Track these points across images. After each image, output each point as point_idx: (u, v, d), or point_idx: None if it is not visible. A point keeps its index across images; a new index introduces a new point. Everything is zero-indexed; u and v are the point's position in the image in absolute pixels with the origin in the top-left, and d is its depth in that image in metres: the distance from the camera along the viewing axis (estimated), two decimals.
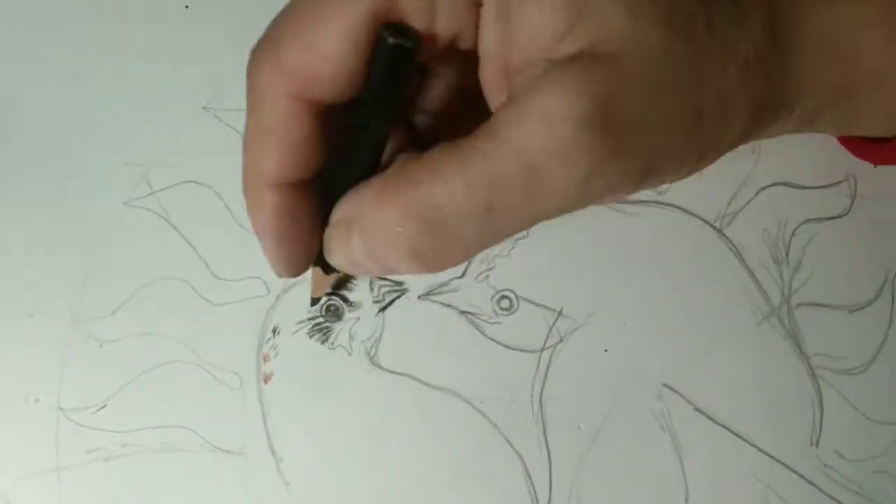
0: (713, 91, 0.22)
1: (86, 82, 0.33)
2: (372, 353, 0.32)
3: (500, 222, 0.21)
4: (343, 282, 0.31)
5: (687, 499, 0.31)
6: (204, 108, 0.33)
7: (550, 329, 0.32)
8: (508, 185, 0.20)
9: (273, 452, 0.31)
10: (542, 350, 0.32)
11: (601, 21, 0.21)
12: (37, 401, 0.31)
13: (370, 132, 0.22)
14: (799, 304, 0.33)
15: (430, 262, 0.22)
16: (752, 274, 0.33)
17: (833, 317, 0.33)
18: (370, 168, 0.23)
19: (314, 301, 0.31)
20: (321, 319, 0.32)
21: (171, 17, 0.33)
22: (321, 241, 0.24)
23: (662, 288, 0.33)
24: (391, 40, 0.20)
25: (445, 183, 0.21)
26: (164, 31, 0.33)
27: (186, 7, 0.33)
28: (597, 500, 0.31)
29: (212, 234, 0.32)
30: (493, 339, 0.32)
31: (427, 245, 0.22)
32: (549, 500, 0.31)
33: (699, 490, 0.32)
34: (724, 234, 0.33)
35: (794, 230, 0.33)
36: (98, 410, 0.31)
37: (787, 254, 0.33)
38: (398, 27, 0.21)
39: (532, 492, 0.31)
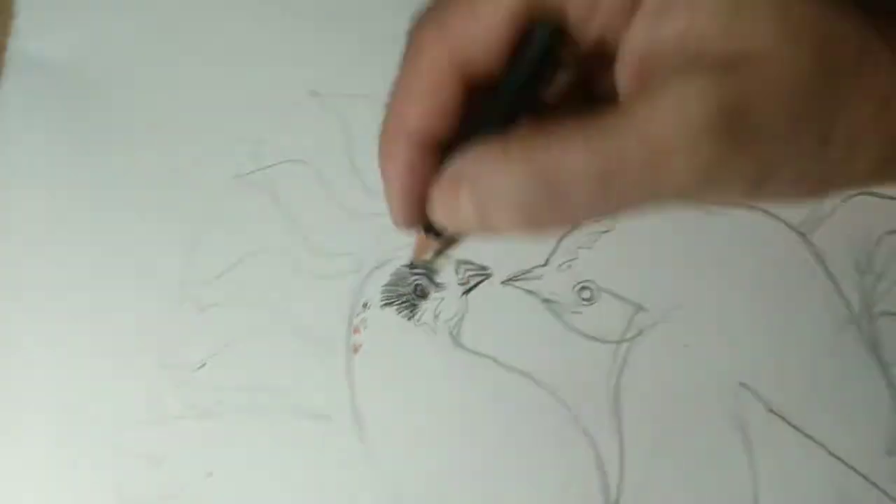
0: (843, 122, 0.23)
1: (210, 68, 0.35)
2: (455, 333, 0.33)
3: (613, 195, 0.22)
4: (442, 250, 0.33)
5: (756, 499, 0.32)
6: (311, 91, 0.35)
7: (630, 322, 0.33)
8: (629, 161, 0.21)
9: (356, 419, 0.33)
10: (619, 342, 0.33)
11: (751, 34, 0.22)
12: (140, 357, 0.33)
13: (500, 114, 0.23)
14: (881, 314, 0.33)
15: (537, 220, 0.23)
16: (834, 280, 0.33)
17: None
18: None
19: (411, 265, 0.32)
20: (410, 297, 0.34)
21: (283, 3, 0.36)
22: None
23: (744, 288, 0.33)
24: (544, 33, 0.22)
25: (568, 148, 0.22)
26: (274, 18, 0.36)
27: None
28: (667, 492, 0.32)
29: (312, 212, 0.34)
30: (572, 328, 0.33)
31: (538, 202, 0.22)
32: (619, 489, 0.32)
33: (769, 491, 0.32)
34: (808, 240, 0.33)
35: (879, 239, 0.33)
36: (198, 369, 0.33)
37: (871, 263, 0.33)
38: (551, 20, 0.22)
39: (603, 480, 0.32)
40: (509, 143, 0.23)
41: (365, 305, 0.34)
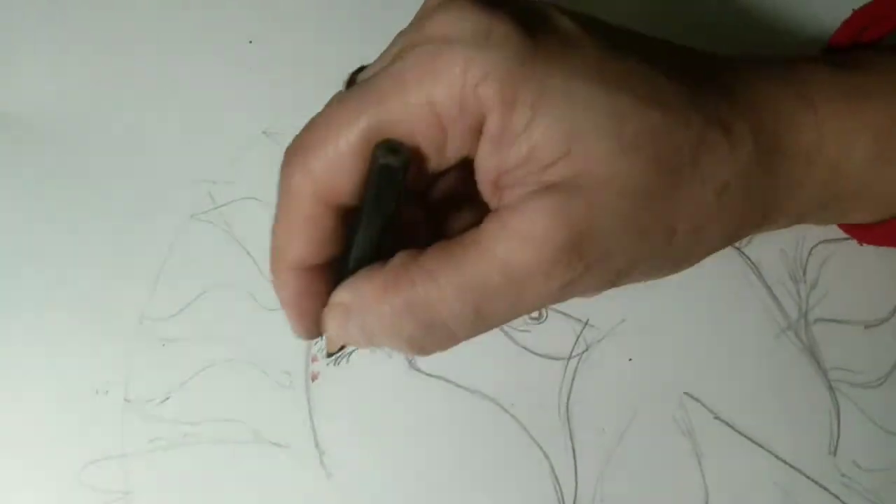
0: (688, 213, 0.25)
1: (160, 105, 0.37)
2: (410, 358, 0.35)
3: (487, 321, 0.25)
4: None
5: (707, 500, 0.33)
6: (263, 132, 0.36)
7: (577, 338, 0.34)
8: (494, 293, 0.24)
9: (317, 445, 0.33)
10: (569, 358, 0.34)
11: (589, 156, 0.23)
12: (106, 392, 0.34)
13: (367, 233, 0.25)
14: (816, 320, 0.34)
15: (424, 350, 0.26)
16: (769, 290, 0.35)
17: (849, 332, 0.34)
18: (369, 258, 0.25)
19: (330, 354, 0.33)
20: None
21: (236, 50, 0.37)
22: None
23: (684, 301, 0.35)
24: (381, 161, 0.23)
25: (439, 287, 0.24)
26: (229, 63, 0.37)
27: (250, 42, 0.37)
28: (620, 500, 0.33)
29: (268, 247, 0.35)
30: (523, 347, 0.35)
31: (422, 338, 0.25)
32: (575, 499, 0.33)
33: (719, 494, 0.33)
34: (743, 253, 0.35)
35: (811, 250, 0.35)
36: (161, 403, 0.34)
37: (805, 272, 0.35)
38: (393, 146, 0.23)
39: (558, 491, 0.33)
40: (388, 280, 0.24)
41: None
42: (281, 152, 0.37)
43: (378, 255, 0.25)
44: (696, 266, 0.35)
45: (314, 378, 0.34)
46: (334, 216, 0.25)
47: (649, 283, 0.35)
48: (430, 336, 0.25)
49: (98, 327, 0.35)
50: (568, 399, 0.34)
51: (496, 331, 0.35)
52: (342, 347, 0.29)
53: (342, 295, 0.25)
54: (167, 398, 0.34)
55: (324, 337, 0.35)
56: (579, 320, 0.35)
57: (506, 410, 0.34)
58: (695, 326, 0.35)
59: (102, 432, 0.34)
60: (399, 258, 0.25)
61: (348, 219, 0.25)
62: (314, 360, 0.34)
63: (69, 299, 0.35)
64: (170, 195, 0.36)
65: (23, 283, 0.35)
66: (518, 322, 0.35)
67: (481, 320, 0.24)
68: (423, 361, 0.34)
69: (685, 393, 0.34)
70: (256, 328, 0.35)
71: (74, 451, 0.33)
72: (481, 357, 0.34)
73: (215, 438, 0.33)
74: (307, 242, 0.25)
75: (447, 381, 0.34)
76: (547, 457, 0.33)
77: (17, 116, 0.37)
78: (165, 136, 0.37)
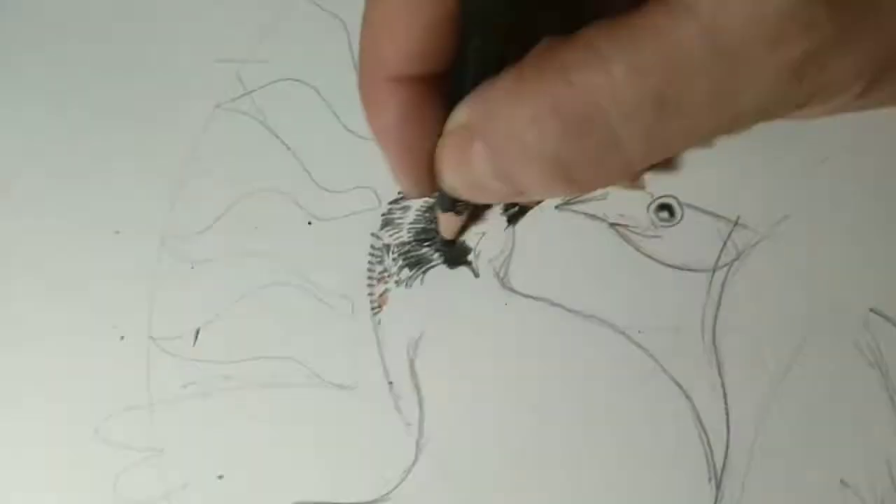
0: None
1: None
2: (502, 275, 0.27)
3: (673, 124, 0.16)
4: (469, 225, 0.26)
5: None
6: None
7: (724, 243, 0.26)
8: (690, 73, 0.15)
9: (390, 387, 0.26)
10: (714, 269, 0.26)
11: None
12: (125, 329, 0.27)
13: (506, 17, 0.17)
14: None
15: (576, 176, 0.17)
16: None
17: None
18: (494, 65, 0.18)
19: (447, 243, 0.26)
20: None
21: None
22: None
23: (868, 191, 0.26)
24: None
25: (605, 68, 0.16)
26: None
27: None
28: (786, 450, 0.25)
29: (314, 139, 0.28)
30: (650, 257, 0.26)
31: (575, 153, 0.17)
32: (727, 452, 0.25)
33: None
34: None
35: None
36: (192, 339, 0.27)
37: None
38: None
39: (705, 441, 0.25)
40: (524, 72, 0.17)
41: (387, 249, 0.27)
42: (326, 18, 0.30)
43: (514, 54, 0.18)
44: (880, 144, 0.26)
45: (381, 304, 0.27)
46: (453, 8, 0.17)
47: (819, 168, 0.27)
48: (588, 149, 0.16)
49: (113, 250, 0.28)
50: (714, 323, 0.26)
51: (614, 236, 0.27)
52: (465, 227, 0.23)
53: (461, 113, 0.18)
54: (198, 334, 0.27)
55: (388, 251, 0.28)
56: (727, 219, 0.26)
57: (631, 339, 0.26)
58: (883, 222, 0.26)
59: (125, 378, 0.27)
60: (539, 48, 0.17)
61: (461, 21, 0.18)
62: (379, 280, 0.27)
63: (74, 217, 0.28)
64: (190, 81, 0.29)
65: (17, 194, 0.28)
66: (644, 224, 0.27)
67: (667, 119, 0.16)
68: (520, 280, 0.27)
69: (871, 310, 0.26)
70: (305, 243, 0.27)
71: (93, 402, 0.27)
72: (596, 272, 0.26)
73: (262, 381, 0.27)
74: (412, 38, 0.18)
75: (551, 303, 0.26)
76: (688, 398, 0.26)
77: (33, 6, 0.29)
78: (181, 4, 0.29)
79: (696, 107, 0.16)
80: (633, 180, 0.25)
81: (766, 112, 0.17)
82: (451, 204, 0.23)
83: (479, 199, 0.20)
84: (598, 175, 0.17)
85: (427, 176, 0.19)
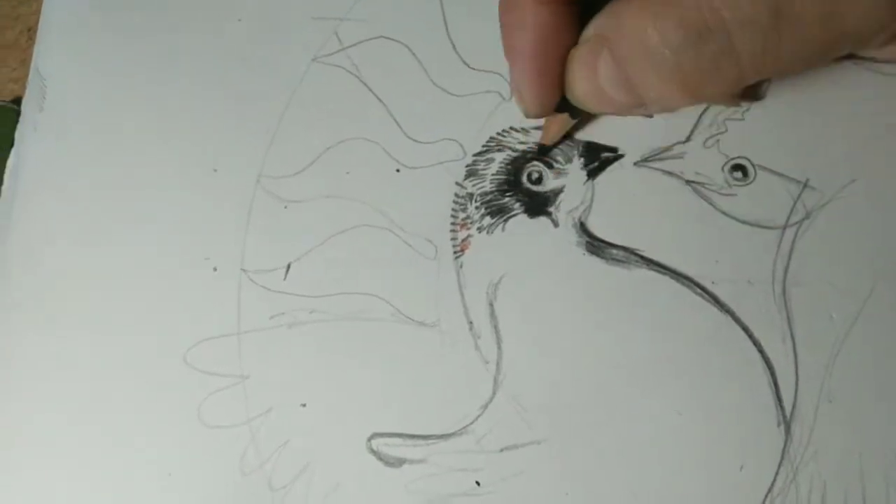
0: None
1: None
2: (581, 225, 0.28)
3: (786, 36, 0.18)
4: (575, 130, 0.28)
5: None
6: None
7: (795, 203, 0.27)
8: None
9: (471, 328, 0.27)
10: (784, 227, 0.27)
11: None
12: (219, 261, 0.29)
13: None
14: None
15: (691, 82, 0.19)
16: None
17: None
18: None
19: (544, 149, 0.27)
20: (524, 186, 0.28)
21: None
22: None
23: None
24: None
25: None
26: None
27: None
28: (854, 400, 0.26)
29: (404, 93, 0.29)
30: (725, 213, 0.28)
31: (694, 60, 0.18)
32: (795, 398, 0.26)
33: None
34: None
35: None
36: (283, 274, 0.28)
37: None
38: None
39: (773, 388, 0.26)
40: None
41: (470, 197, 0.29)
42: None
43: None
44: None
45: (463, 249, 0.28)
46: None
47: (885, 134, 0.28)
48: (706, 57, 0.18)
49: (209, 187, 0.29)
50: (784, 277, 0.27)
51: (690, 193, 0.28)
52: (564, 138, 0.25)
53: (593, 26, 0.20)
54: (289, 269, 0.28)
55: (471, 200, 0.29)
56: (797, 181, 0.28)
57: (706, 289, 0.27)
58: None
59: (215, 307, 0.28)
60: None
61: None
62: (462, 226, 0.28)
63: (175, 156, 0.30)
64: (289, 35, 0.30)
65: (121, 134, 0.30)
66: (719, 182, 0.28)
67: (781, 32, 0.18)
68: (598, 230, 0.28)
69: None
70: (392, 189, 0.29)
71: (183, 329, 0.28)
72: (672, 226, 0.28)
73: (347, 315, 0.28)
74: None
75: (629, 251, 0.28)
76: (759, 347, 0.27)
77: None
78: None
79: (808, 22, 0.18)
80: (736, 98, 0.26)
81: (863, 38, 0.18)
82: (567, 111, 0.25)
83: (601, 109, 0.22)
84: (713, 83, 0.19)
85: (552, 92, 0.21)
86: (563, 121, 0.25)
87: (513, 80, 0.22)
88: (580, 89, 0.21)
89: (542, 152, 0.28)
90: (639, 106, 0.21)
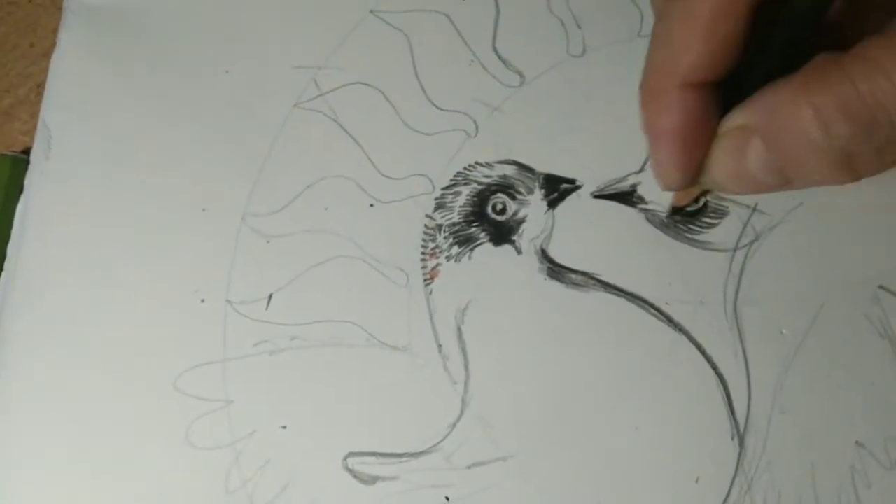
0: None
1: None
2: (542, 251, 0.30)
3: None
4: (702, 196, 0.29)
5: None
6: (371, 11, 0.33)
7: (744, 226, 0.29)
8: None
9: (440, 350, 0.29)
10: (735, 249, 0.29)
11: None
12: (206, 293, 0.31)
13: (791, 33, 0.21)
14: None
15: (857, 166, 0.21)
16: None
17: None
18: (777, 70, 0.21)
19: (675, 210, 0.29)
20: (488, 215, 0.30)
21: None
22: None
23: (872, 183, 0.29)
24: None
25: (888, 76, 0.19)
26: None
27: None
28: (804, 411, 0.27)
29: (378, 133, 0.32)
30: (676, 238, 0.29)
31: (861, 147, 0.20)
32: (748, 411, 0.27)
33: None
34: None
35: None
36: (265, 304, 0.30)
37: None
38: None
39: (727, 402, 0.27)
40: (810, 79, 0.20)
41: (439, 228, 0.31)
42: (392, 32, 0.34)
43: (787, 69, 0.21)
44: None
45: (433, 276, 0.30)
46: (745, 14, 0.20)
47: None
48: (872, 144, 0.20)
49: (198, 225, 0.31)
50: (735, 297, 0.28)
51: (644, 221, 0.30)
52: (697, 199, 0.27)
53: (739, 116, 0.21)
54: (271, 299, 0.30)
55: (440, 231, 0.31)
56: (745, 205, 0.29)
57: (660, 310, 0.29)
58: (886, 212, 0.29)
59: (203, 336, 0.30)
60: (818, 60, 0.20)
61: (754, 20, 0.21)
62: (431, 256, 0.30)
63: (168, 198, 0.32)
64: (272, 84, 0.33)
65: (119, 179, 0.32)
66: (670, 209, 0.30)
67: None
68: (558, 256, 0.30)
69: (880, 286, 0.28)
70: (367, 222, 0.31)
71: (172, 357, 0.30)
72: (628, 251, 0.29)
73: (326, 342, 0.30)
74: (709, 45, 0.21)
75: (587, 275, 0.29)
76: (712, 363, 0.28)
77: (115, 8, 0.34)
78: (265, 21, 0.33)
79: None
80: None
81: None
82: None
83: (741, 190, 0.24)
84: (878, 165, 0.21)
85: (694, 171, 0.23)
86: (697, 191, 0.27)
87: (654, 157, 0.23)
88: (722, 173, 0.22)
89: (674, 212, 0.29)
90: (787, 185, 0.22)
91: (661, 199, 0.30)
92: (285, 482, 0.29)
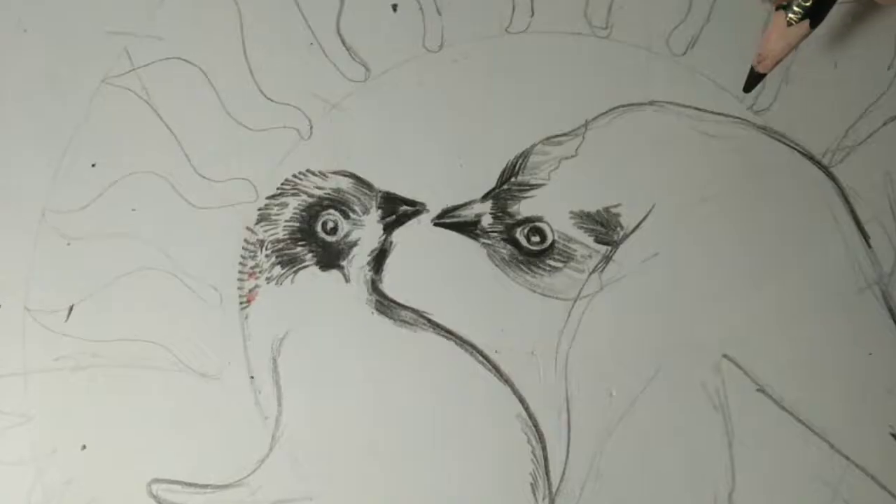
0: None
1: None
2: (372, 280, 0.27)
3: None
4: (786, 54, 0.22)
5: (731, 492, 0.26)
6: None
7: (590, 274, 0.26)
8: None
9: (252, 381, 0.27)
10: (576, 300, 0.26)
11: None
12: (2, 298, 0.28)
13: None
14: None
15: None
16: (861, 228, 0.25)
17: None
18: None
19: (751, 81, 0.22)
20: (317, 235, 0.27)
21: None
22: None
23: (741, 232, 0.26)
24: None
25: None
26: None
27: None
28: (621, 479, 0.26)
29: (197, 123, 0.27)
30: (513, 280, 0.27)
31: None
32: (563, 474, 0.26)
33: (749, 485, 0.26)
34: (832, 174, 0.26)
35: None
36: (66, 315, 0.28)
37: None
38: None
39: (543, 462, 0.26)
40: None
41: (261, 244, 0.27)
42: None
43: None
44: (766, 185, 0.26)
45: (251, 298, 0.27)
46: None
47: (695, 205, 0.26)
48: None
49: None
50: (568, 350, 0.26)
51: (486, 257, 0.27)
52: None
53: None
54: (72, 310, 0.28)
55: (262, 247, 0.28)
56: (596, 251, 0.26)
57: (487, 358, 0.27)
58: (751, 266, 0.26)
59: (1, 345, 0.28)
60: None
61: None
62: (251, 275, 0.27)
63: None
64: (79, 50, 0.28)
65: None
66: (516, 244, 0.27)
67: None
68: (390, 288, 0.27)
69: (724, 355, 0.26)
70: (179, 230, 0.27)
71: None
72: (463, 289, 0.27)
73: (128, 362, 0.27)
74: None
75: (420, 315, 0.27)
76: (534, 422, 0.26)
77: None
78: None
79: None
80: None
81: None
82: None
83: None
84: None
85: None
86: (785, 32, 0.21)
87: None
88: None
89: (752, 85, 0.23)
90: None
91: (506, 233, 0.26)
92: (89, 502, 0.28)
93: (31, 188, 0.28)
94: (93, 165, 0.27)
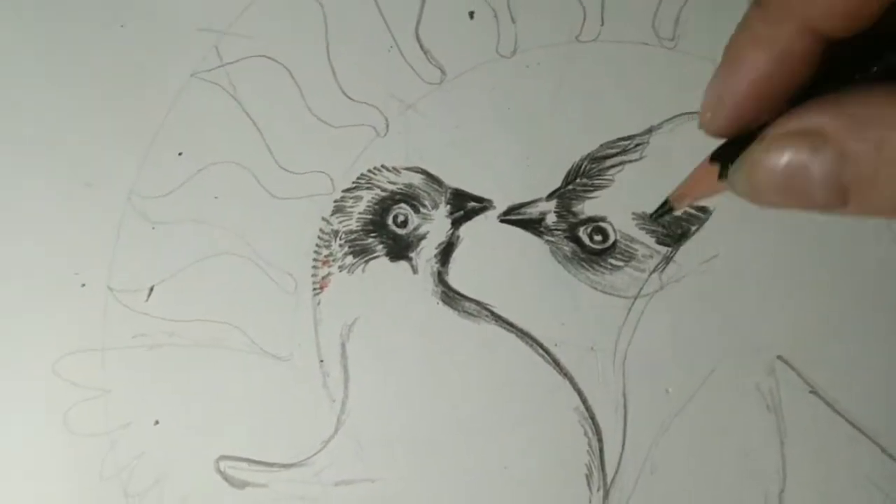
0: None
1: None
2: (439, 274, 0.28)
3: None
4: (708, 197, 0.22)
5: (782, 491, 0.27)
6: None
7: (650, 273, 0.27)
8: None
9: (321, 365, 0.28)
10: (636, 297, 0.27)
11: None
12: (87, 277, 0.29)
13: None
14: None
15: None
16: None
17: None
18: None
19: (661, 212, 0.21)
20: (389, 228, 0.29)
21: None
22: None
23: (797, 237, 0.27)
24: None
25: None
26: None
27: None
28: (675, 474, 0.27)
29: (280, 118, 0.29)
30: (577, 277, 0.28)
31: None
32: (618, 467, 0.27)
33: (800, 485, 0.27)
34: None
35: None
36: (146, 295, 0.29)
37: None
38: None
39: (599, 455, 0.27)
40: None
41: (335, 234, 0.29)
42: (307, 4, 0.30)
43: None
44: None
45: (323, 285, 0.29)
46: (818, 49, 0.17)
47: (750, 211, 0.27)
48: None
49: (82, 200, 0.29)
50: (627, 347, 0.27)
51: (547, 254, 0.28)
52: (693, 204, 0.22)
53: (817, 119, 0.17)
54: (152, 290, 0.29)
55: (336, 237, 0.29)
56: (657, 251, 0.27)
57: (548, 350, 0.28)
58: (808, 272, 0.27)
59: (82, 322, 0.29)
60: None
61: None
62: (324, 263, 0.29)
63: (50, 168, 0.30)
64: (171, 46, 0.30)
65: (7, 142, 0.30)
66: (578, 243, 0.28)
67: None
68: (456, 280, 0.28)
69: (779, 357, 0.27)
70: (259, 218, 0.29)
71: (50, 341, 0.29)
72: (526, 283, 0.28)
73: (205, 343, 0.29)
74: (772, 64, 0.18)
75: (483, 307, 0.28)
76: (591, 414, 0.27)
77: None
78: None
79: None
80: None
81: None
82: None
83: (777, 202, 0.19)
84: None
85: (732, 128, 0.18)
86: (713, 183, 0.20)
87: (720, 84, 0.18)
88: (767, 175, 0.18)
89: (660, 215, 0.22)
90: (837, 209, 0.18)
91: (570, 232, 0.28)
92: (158, 476, 0.29)
93: (119, 173, 0.29)
94: (179, 154, 0.29)
